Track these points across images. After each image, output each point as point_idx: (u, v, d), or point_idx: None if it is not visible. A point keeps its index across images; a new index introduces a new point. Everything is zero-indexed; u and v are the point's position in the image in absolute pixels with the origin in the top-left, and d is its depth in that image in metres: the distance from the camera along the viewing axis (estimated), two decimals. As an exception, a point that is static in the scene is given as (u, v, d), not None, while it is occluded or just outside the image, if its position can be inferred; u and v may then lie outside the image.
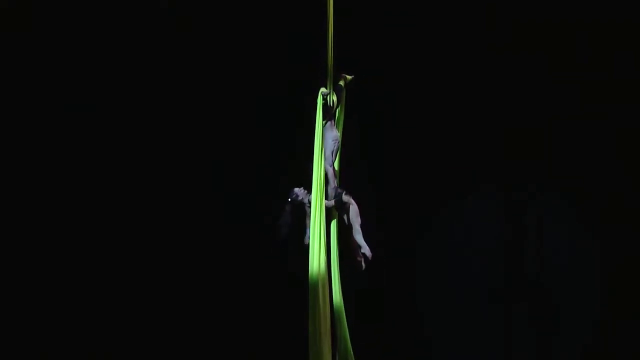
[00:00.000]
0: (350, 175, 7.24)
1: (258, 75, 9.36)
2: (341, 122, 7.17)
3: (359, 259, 6.88)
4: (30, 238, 9.20)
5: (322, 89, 7.01)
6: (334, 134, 7.06)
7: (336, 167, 7.02)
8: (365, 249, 6.86)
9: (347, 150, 7.25)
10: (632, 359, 9.08)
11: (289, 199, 6.91)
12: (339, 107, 7.14)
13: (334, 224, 7.00)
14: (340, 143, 7.05)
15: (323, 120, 6.97)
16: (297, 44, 9.16)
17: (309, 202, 6.82)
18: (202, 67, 9.39)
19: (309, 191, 6.84)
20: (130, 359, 9.17)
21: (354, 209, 6.91)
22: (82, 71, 9.28)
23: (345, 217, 6.95)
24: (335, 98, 7.06)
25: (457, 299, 9.38)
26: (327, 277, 6.71)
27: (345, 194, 6.91)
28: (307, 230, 6.79)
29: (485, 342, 9.35)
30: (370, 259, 6.85)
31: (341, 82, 7.14)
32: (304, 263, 6.68)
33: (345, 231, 6.95)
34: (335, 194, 6.91)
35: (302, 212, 6.89)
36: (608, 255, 9.24)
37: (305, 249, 6.68)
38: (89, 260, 9.25)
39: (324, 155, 6.90)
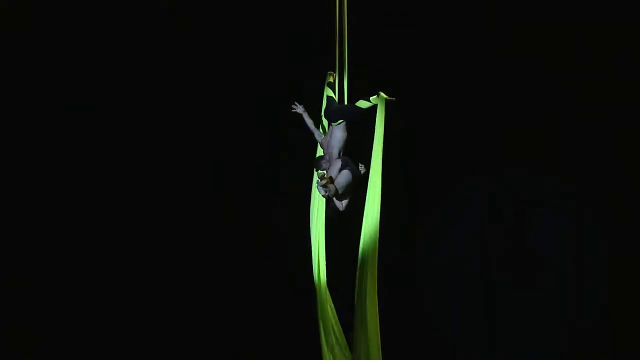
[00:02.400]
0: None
1: (258, 75, 9.36)
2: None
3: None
4: (30, 238, 9.20)
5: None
6: (345, 134, 7.23)
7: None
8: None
9: (347, 150, 7.32)
10: (632, 359, 9.08)
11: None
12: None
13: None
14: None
15: (337, 120, 7.23)
16: (297, 44, 9.16)
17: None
18: (202, 67, 9.39)
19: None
20: (130, 359, 9.17)
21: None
22: (82, 71, 9.28)
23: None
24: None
25: (457, 299, 9.38)
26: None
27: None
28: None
29: (485, 342, 9.35)
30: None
31: (330, 79, 7.26)
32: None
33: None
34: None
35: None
36: (608, 255, 9.23)
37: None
38: (89, 260, 9.24)
39: (332, 152, 7.20)
